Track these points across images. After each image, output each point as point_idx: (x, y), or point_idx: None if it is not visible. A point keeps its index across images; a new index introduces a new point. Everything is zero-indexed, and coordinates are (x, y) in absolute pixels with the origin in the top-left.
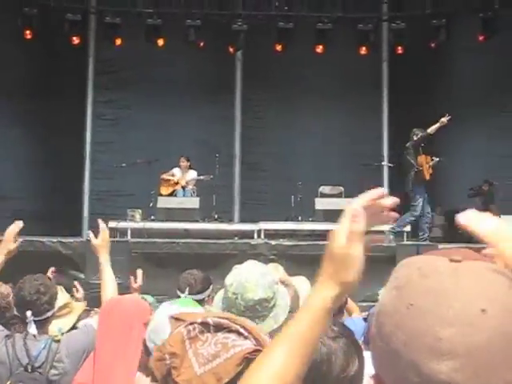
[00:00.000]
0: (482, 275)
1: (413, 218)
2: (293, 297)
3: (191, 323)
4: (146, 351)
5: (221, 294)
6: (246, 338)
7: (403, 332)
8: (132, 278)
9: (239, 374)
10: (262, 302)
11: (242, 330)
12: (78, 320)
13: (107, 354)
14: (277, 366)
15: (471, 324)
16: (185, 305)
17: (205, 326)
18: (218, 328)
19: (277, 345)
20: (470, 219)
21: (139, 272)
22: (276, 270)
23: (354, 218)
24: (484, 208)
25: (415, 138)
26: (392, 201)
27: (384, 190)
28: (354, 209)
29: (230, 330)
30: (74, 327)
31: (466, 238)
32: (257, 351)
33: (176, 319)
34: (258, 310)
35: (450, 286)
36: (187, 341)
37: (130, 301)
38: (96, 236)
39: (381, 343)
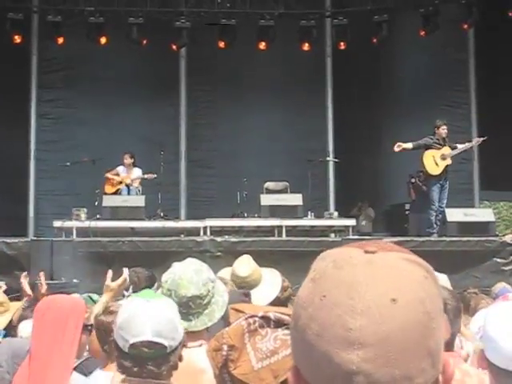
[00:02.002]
0: (396, 266)
1: (433, 213)
2: (230, 292)
3: (252, 316)
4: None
5: (160, 290)
6: None
7: (316, 323)
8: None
9: None
10: (194, 298)
11: None
12: (20, 320)
13: (42, 352)
14: None
15: (381, 314)
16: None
17: (265, 320)
18: (279, 324)
19: None
20: None
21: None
22: (248, 261)
23: None
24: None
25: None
26: None
27: None
28: None
29: None
30: (9, 325)
31: (404, 231)
32: None
33: (236, 310)
34: (192, 306)
35: (363, 277)
36: (246, 334)
37: (65, 299)
38: (114, 279)
39: (297, 335)
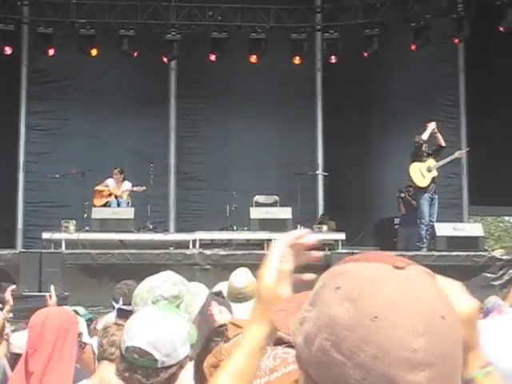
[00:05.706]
0: (428, 282)
1: (424, 227)
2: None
3: None
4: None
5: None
6: None
7: (372, 346)
8: (47, 295)
9: None
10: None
11: None
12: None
13: (40, 365)
14: None
15: (438, 332)
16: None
17: None
18: (279, 341)
19: (219, 379)
20: None
21: (52, 288)
22: (245, 273)
23: (281, 258)
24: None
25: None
26: (313, 240)
27: (306, 230)
28: (281, 248)
29: (290, 345)
30: None
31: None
32: None
33: (235, 325)
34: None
35: (406, 295)
36: None
37: (61, 312)
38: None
39: (341, 358)
